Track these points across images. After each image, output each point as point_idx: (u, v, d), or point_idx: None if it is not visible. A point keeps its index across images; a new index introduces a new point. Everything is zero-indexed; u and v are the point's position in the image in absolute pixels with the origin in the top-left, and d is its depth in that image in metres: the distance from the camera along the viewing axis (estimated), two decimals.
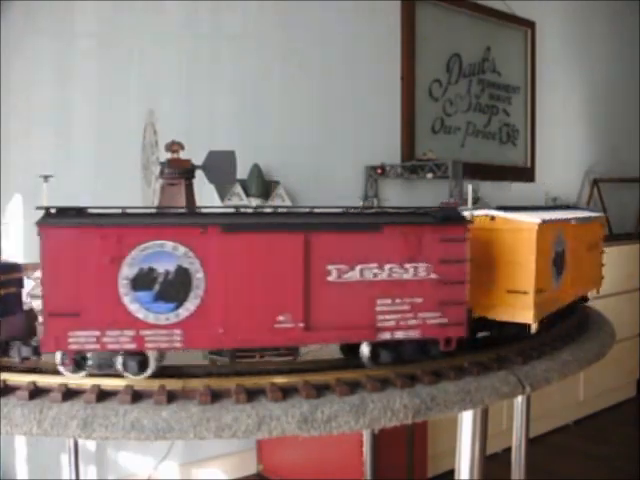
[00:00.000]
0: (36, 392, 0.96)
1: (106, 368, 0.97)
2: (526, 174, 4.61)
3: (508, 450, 1.94)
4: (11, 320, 1.07)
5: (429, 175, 3.39)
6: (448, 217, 1.04)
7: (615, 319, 1.61)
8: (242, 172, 2.81)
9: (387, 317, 1.01)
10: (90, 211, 0.96)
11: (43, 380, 0.98)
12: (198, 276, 0.94)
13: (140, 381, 0.97)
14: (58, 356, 0.96)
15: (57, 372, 0.99)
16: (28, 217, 2.24)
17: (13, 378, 0.98)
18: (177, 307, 0.94)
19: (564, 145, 4.92)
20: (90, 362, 0.97)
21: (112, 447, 2.82)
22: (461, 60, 4.16)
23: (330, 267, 0.99)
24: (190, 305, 0.94)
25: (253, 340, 0.98)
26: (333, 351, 1.11)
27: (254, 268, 0.96)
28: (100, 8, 2.76)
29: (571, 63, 4.95)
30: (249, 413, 0.92)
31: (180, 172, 1.39)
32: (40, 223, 0.91)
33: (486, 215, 1.19)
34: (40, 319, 1.04)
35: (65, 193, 2.58)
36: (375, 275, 1.00)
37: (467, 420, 1.36)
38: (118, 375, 0.98)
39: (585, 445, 3.64)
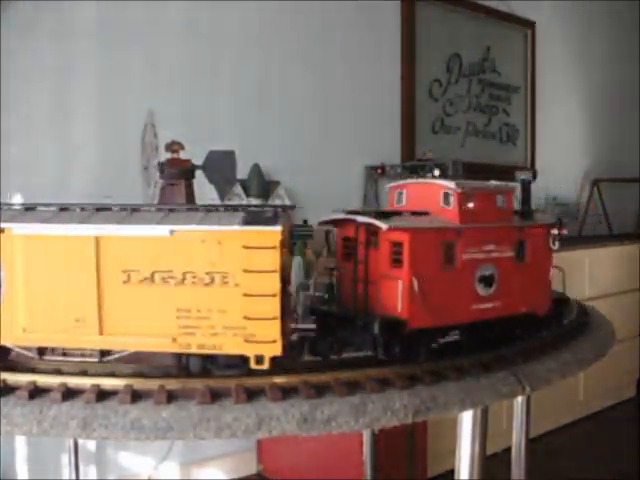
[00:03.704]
0: (36, 392, 0.95)
1: None
2: None
3: (508, 450, 1.93)
4: None
5: (429, 175, 3.39)
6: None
7: (615, 319, 1.61)
8: (242, 172, 2.81)
9: None
10: None
11: (43, 380, 0.97)
12: None
13: (140, 381, 0.97)
14: None
15: (57, 372, 0.99)
16: None
17: (13, 378, 0.97)
18: None
19: (564, 145, 4.92)
20: None
21: (112, 447, 2.82)
22: (461, 60, 4.16)
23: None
24: None
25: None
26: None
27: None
28: (100, 8, 2.75)
29: (571, 63, 4.95)
30: (249, 413, 0.92)
31: (180, 172, 1.39)
32: None
33: None
34: None
35: (65, 193, 2.60)
36: None
37: (467, 420, 1.36)
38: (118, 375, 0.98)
39: (585, 445, 3.64)
